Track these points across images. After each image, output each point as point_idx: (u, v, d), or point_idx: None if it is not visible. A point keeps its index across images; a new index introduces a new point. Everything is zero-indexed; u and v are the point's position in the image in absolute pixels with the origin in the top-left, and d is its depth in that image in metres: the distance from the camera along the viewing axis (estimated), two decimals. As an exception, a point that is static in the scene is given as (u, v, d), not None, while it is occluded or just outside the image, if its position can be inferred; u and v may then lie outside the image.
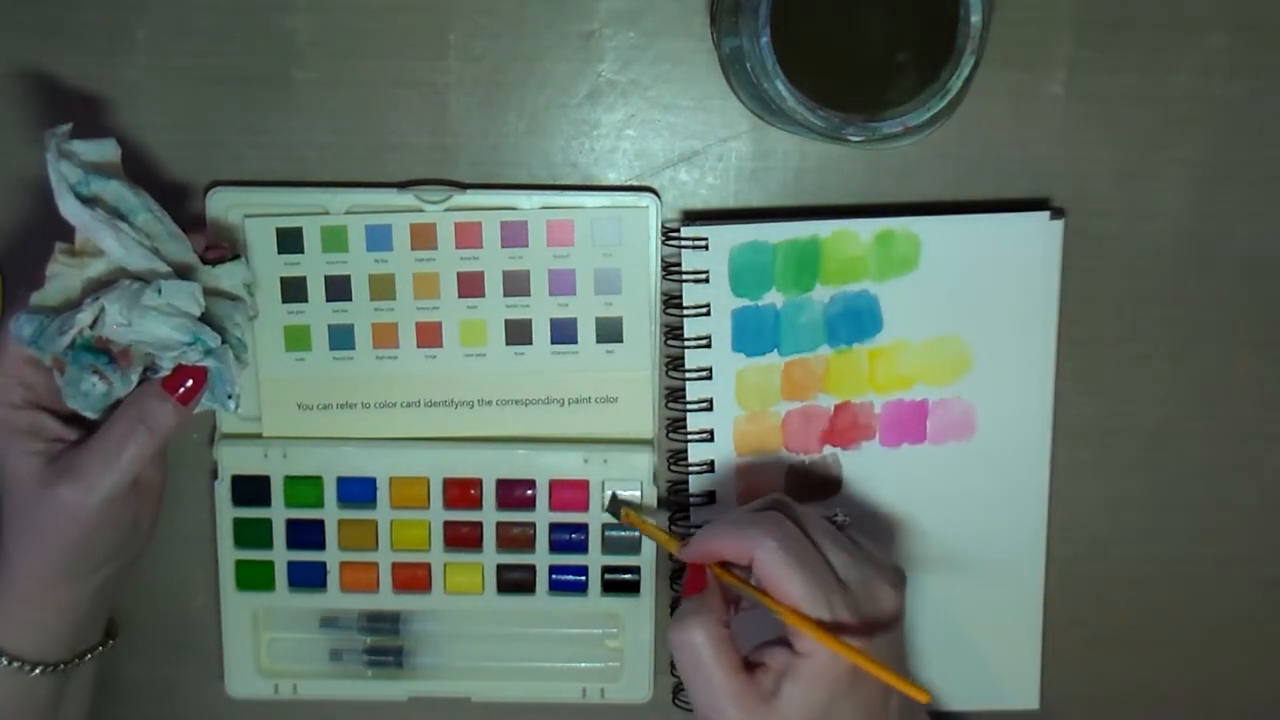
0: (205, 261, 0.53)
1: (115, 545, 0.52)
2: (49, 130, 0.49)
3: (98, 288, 0.50)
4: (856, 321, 0.57)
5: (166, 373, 0.51)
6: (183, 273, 0.51)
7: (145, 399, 0.51)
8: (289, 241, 0.56)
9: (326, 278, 0.57)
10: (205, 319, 0.51)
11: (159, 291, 0.49)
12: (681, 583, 0.59)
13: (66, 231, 0.50)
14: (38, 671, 0.51)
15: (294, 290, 0.57)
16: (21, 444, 0.50)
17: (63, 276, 0.50)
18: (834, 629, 0.45)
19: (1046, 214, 0.56)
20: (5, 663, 0.51)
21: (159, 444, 0.51)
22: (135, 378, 0.51)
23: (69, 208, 0.49)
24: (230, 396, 0.53)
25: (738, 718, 0.46)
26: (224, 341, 0.52)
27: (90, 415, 0.51)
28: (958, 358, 0.57)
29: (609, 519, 0.58)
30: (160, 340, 0.49)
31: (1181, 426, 0.59)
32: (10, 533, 0.51)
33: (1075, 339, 0.58)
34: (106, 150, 0.50)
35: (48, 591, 0.51)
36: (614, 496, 0.58)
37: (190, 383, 0.51)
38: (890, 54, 0.48)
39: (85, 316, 0.48)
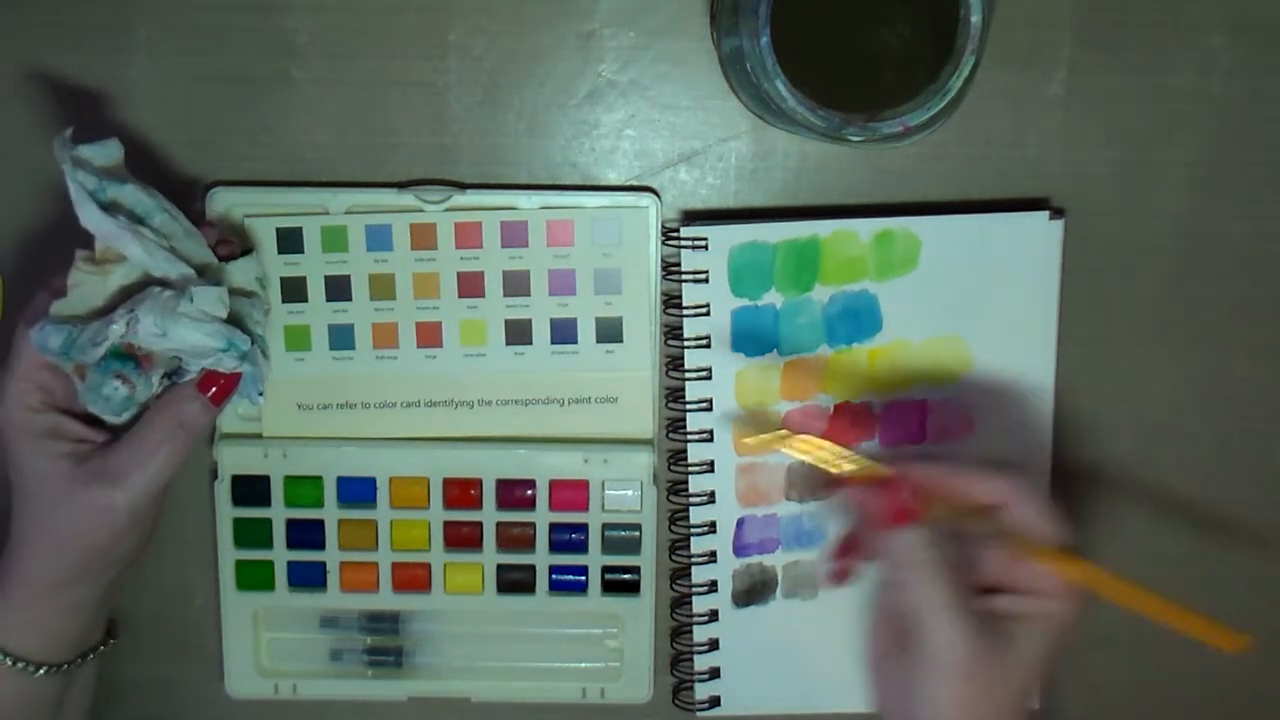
0: (218, 258, 0.53)
1: (136, 546, 0.53)
2: (57, 139, 0.49)
3: (122, 295, 0.50)
4: (856, 321, 0.57)
5: (193, 375, 0.52)
6: (200, 271, 0.51)
7: (180, 400, 0.52)
8: (289, 241, 0.56)
9: (326, 278, 0.57)
10: (229, 319, 0.51)
11: (191, 299, 0.49)
12: (688, 580, 0.59)
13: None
14: (42, 672, 0.52)
15: (294, 290, 0.57)
16: (46, 447, 0.50)
17: (85, 285, 0.50)
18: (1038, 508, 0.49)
19: (1046, 214, 0.56)
20: (10, 664, 0.51)
21: (192, 443, 0.52)
22: (156, 381, 0.52)
23: (91, 218, 0.49)
24: (260, 393, 0.54)
25: (977, 650, 0.47)
26: (252, 342, 0.52)
27: (111, 419, 0.51)
28: (958, 358, 0.57)
29: (609, 519, 0.58)
30: (194, 347, 0.50)
31: (1181, 426, 0.59)
32: (27, 535, 0.51)
33: (1075, 339, 0.58)
34: (111, 152, 0.50)
35: (59, 594, 0.52)
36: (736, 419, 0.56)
37: (222, 383, 0.52)
38: (890, 54, 0.48)
39: (119, 328, 0.48)
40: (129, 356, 0.50)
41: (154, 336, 0.48)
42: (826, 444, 0.53)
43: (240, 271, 0.54)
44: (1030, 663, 0.48)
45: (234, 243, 0.55)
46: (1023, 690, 0.49)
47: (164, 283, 0.50)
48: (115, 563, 0.52)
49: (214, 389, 0.52)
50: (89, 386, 0.50)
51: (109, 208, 0.49)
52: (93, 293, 0.50)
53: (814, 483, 0.58)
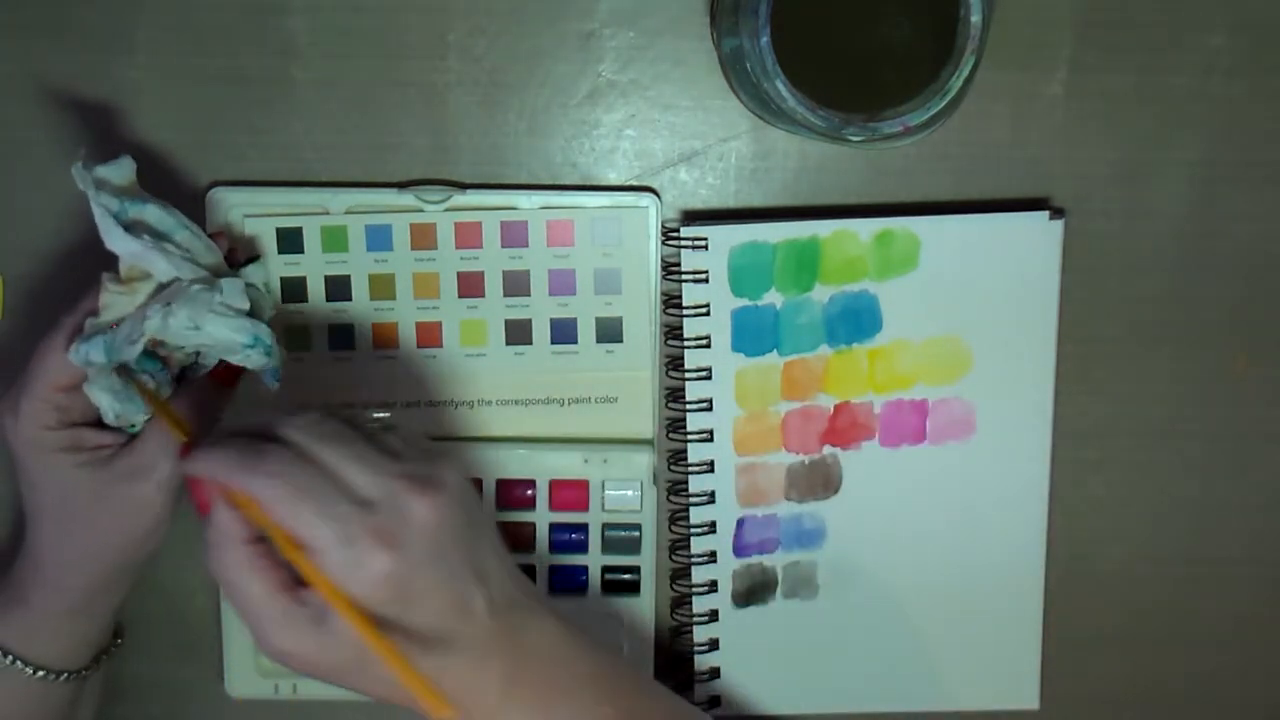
0: (229, 265, 0.53)
1: (159, 543, 0.53)
2: (75, 165, 0.48)
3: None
4: (856, 321, 0.57)
5: (208, 369, 0.53)
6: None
7: (195, 390, 0.52)
8: (289, 241, 0.56)
9: (326, 278, 0.57)
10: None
11: (221, 292, 0.49)
12: (688, 580, 0.59)
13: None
14: (62, 678, 0.52)
15: (294, 290, 0.57)
16: (65, 460, 0.50)
17: (115, 306, 0.50)
18: (354, 558, 0.41)
19: (1046, 214, 0.56)
20: (31, 672, 0.51)
21: (211, 428, 0.53)
22: (173, 378, 0.52)
23: (118, 242, 0.49)
24: (278, 380, 0.54)
25: (293, 646, 0.42)
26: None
27: (141, 419, 0.51)
28: (958, 358, 0.57)
29: (609, 519, 0.58)
30: (221, 343, 0.50)
31: (1181, 426, 0.59)
32: (53, 549, 0.51)
33: (1075, 339, 0.58)
34: (125, 170, 0.50)
35: (89, 603, 0.52)
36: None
37: (228, 366, 0.52)
38: (890, 54, 0.48)
39: (154, 323, 0.48)
40: (154, 357, 0.51)
41: (187, 331, 0.49)
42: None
43: (249, 276, 0.54)
44: (350, 640, 0.42)
45: (239, 251, 0.55)
46: (355, 664, 0.42)
47: (194, 282, 0.50)
48: (141, 563, 0.53)
49: (224, 373, 0.53)
50: (123, 388, 0.50)
51: (131, 227, 0.49)
52: (123, 312, 0.50)
53: (813, 484, 0.58)
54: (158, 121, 0.56)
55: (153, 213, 0.50)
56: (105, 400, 0.50)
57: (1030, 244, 0.56)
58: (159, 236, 0.50)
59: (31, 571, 0.52)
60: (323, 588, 0.41)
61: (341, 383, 0.58)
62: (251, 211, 0.56)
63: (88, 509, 0.51)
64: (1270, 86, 0.57)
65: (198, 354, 0.53)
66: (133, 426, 0.52)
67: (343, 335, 0.57)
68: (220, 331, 0.49)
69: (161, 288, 0.50)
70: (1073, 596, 0.60)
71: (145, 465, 0.51)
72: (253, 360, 0.51)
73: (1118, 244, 0.58)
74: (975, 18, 0.46)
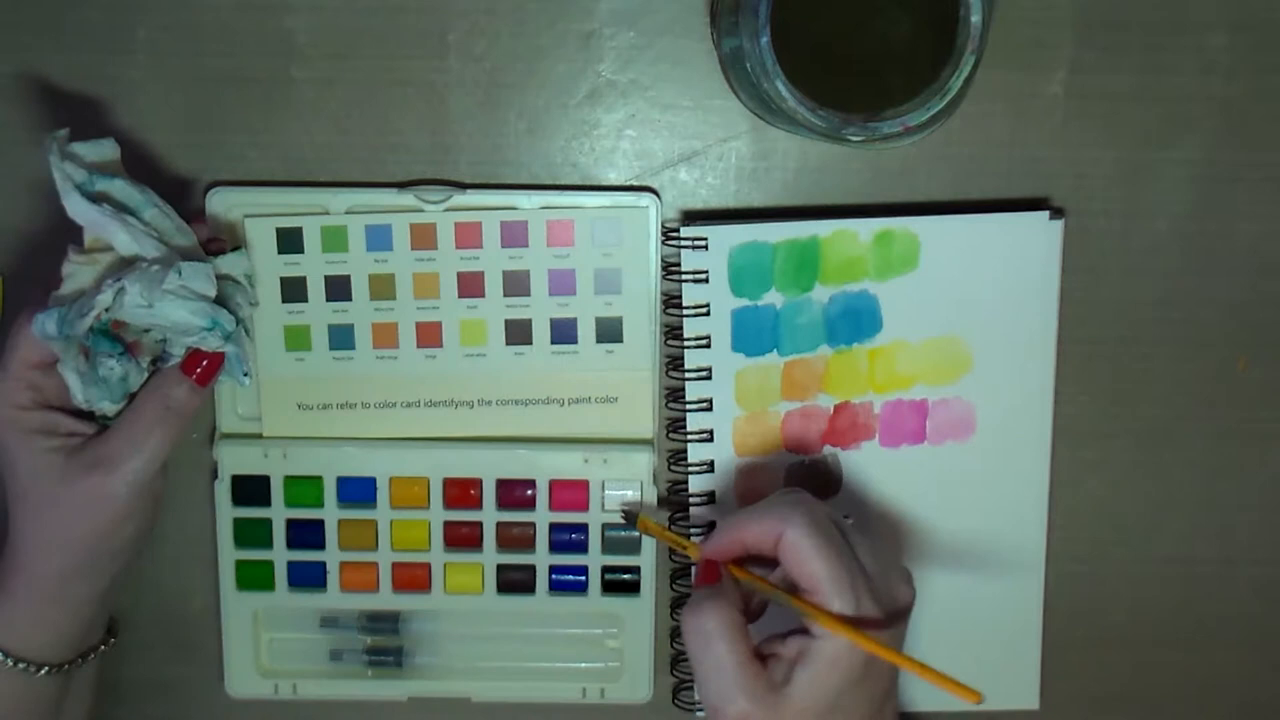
0: (208, 253, 0.53)
1: (136, 535, 0.53)
2: (49, 134, 0.49)
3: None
4: (856, 321, 0.57)
5: (178, 359, 0.52)
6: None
7: (166, 384, 0.52)
8: (289, 241, 0.56)
9: (326, 278, 0.57)
10: (216, 300, 0.51)
11: (179, 273, 0.49)
12: (688, 580, 0.59)
13: (69, 231, 0.50)
14: (43, 672, 0.52)
15: (294, 290, 0.57)
16: (36, 442, 0.51)
17: (77, 275, 0.50)
18: (857, 619, 0.46)
19: (1046, 214, 0.56)
20: (10, 664, 0.51)
21: (183, 426, 0.53)
22: (145, 366, 0.52)
23: (76, 207, 0.49)
24: (246, 374, 0.54)
25: (747, 707, 0.46)
26: (237, 322, 0.53)
27: (109, 407, 0.52)
28: (958, 358, 0.57)
29: (609, 519, 0.58)
30: (178, 324, 0.50)
31: (1181, 426, 0.59)
32: (27, 534, 0.51)
33: (1075, 339, 0.58)
34: (106, 150, 0.51)
35: (62, 591, 0.52)
36: (626, 511, 0.57)
37: (206, 363, 0.53)
38: (890, 54, 0.48)
39: (106, 298, 0.48)
40: (116, 339, 0.51)
41: (139, 309, 0.49)
42: (671, 533, 0.55)
43: (227, 265, 0.54)
44: (811, 700, 0.46)
45: (224, 240, 0.55)
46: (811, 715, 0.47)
47: (155, 262, 0.50)
48: (116, 554, 0.53)
49: (198, 370, 0.53)
50: (89, 369, 0.51)
51: (96, 199, 0.49)
52: (83, 282, 0.50)
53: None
54: (158, 121, 0.56)
55: (120, 187, 0.50)
56: (73, 381, 0.50)
57: (1030, 244, 0.56)
58: (124, 210, 0.50)
59: (10, 559, 0.52)
60: (826, 620, 0.46)
61: (342, 383, 0.58)
62: (251, 211, 0.56)
63: (57, 495, 0.51)
64: (1270, 86, 0.57)
65: (165, 341, 0.52)
66: (105, 417, 0.52)
67: (343, 335, 0.57)
68: (176, 312, 0.49)
69: (125, 263, 0.50)
70: (1073, 596, 0.60)
71: (112, 457, 0.51)
72: (209, 343, 0.51)
73: (1118, 244, 0.58)
74: (975, 18, 0.46)
